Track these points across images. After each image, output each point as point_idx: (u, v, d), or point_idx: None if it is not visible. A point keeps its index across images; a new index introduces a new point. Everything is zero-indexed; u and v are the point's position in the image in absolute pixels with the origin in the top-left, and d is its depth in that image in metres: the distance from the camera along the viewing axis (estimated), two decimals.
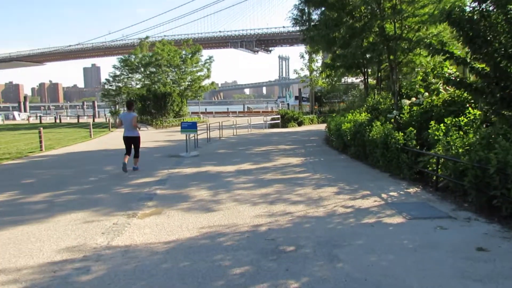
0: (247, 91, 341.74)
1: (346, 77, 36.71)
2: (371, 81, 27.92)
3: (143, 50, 36.71)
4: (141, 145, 9.96)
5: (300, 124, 28.25)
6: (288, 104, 61.69)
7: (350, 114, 14.65)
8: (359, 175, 8.62)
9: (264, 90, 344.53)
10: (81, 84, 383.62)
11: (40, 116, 44.01)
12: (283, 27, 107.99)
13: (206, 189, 7.38)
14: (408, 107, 10.03)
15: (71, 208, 6.05)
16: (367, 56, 13.90)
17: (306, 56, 33.62)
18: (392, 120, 9.95)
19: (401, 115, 10.01)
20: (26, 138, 19.57)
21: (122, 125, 9.79)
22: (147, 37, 36.89)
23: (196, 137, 14.33)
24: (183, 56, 35.20)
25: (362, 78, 35.42)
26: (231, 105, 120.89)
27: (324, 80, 32.93)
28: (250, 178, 8.45)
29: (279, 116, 27.53)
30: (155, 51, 34.61)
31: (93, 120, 37.92)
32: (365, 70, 16.69)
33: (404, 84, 12.56)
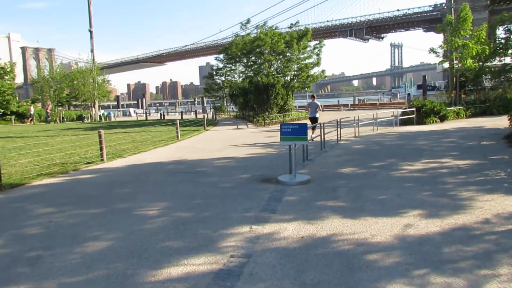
0: (355, 82, 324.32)
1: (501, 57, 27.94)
2: None
3: (245, 39, 32.99)
4: (228, 153, 11.20)
5: (442, 119, 20.94)
6: (408, 94, 52.50)
7: None
8: None
9: (374, 80, 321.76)
10: (196, 82, 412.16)
11: (146, 113, 44.33)
12: (398, 10, 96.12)
13: None
14: None
15: None
16: None
17: (448, 29, 25.64)
18: None
19: None
20: (110, 139, 17.10)
21: (310, 108, 15.65)
22: (248, 21, 33.04)
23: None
24: (288, 41, 30.26)
25: None
26: (340, 98, 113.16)
27: (474, 60, 24.79)
28: (460, 285, 3.05)
29: (413, 109, 20.71)
30: (258, 35, 30.49)
31: (196, 116, 35.96)
32: None
33: None
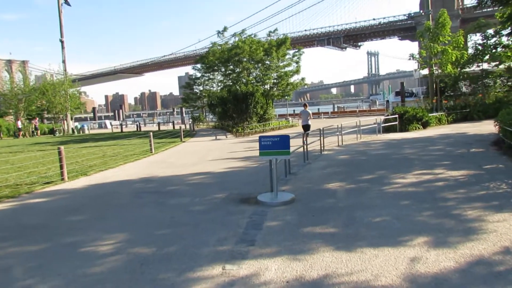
0: (334, 90, 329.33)
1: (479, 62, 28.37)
2: None
3: (223, 47, 32.09)
4: (204, 168, 10.40)
5: (425, 125, 20.62)
6: (387, 101, 52.88)
7: None
8: None
9: (352, 88, 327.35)
10: (176, 92, 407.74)
11: (121, 125, 42.68)
12: (374, 19, 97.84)
13: None
14: None
15: None
16: None
17: (426, 35, 25.57)
18: None
19: None
20: (79, 154, 15.87)
21: (302, 116, 16.82)
22: (225, 29, 32.21)
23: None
24: (267, 49, 29.55)
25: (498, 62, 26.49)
26: (319, 106, 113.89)
27: (453, 66, 24.73)
28: None
29: (395, 116, 20.30)
30: (235, 43, 29.68)
31: (173, 127, 34.76)
32: None
33: None
